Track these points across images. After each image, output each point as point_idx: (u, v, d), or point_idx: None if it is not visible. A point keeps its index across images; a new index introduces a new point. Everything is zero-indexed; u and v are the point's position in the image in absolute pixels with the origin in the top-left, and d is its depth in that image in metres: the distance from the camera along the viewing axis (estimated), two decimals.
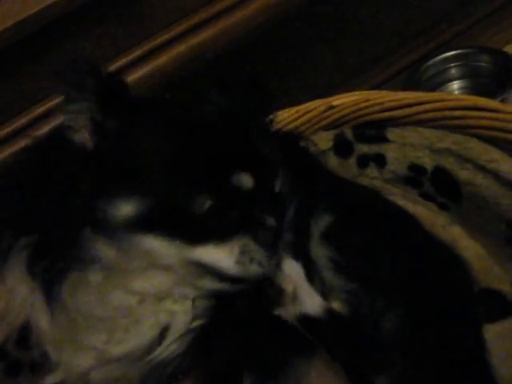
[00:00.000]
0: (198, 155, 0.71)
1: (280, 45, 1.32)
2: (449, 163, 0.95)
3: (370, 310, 0.77)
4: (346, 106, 1.01)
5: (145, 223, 0.70)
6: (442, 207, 1.00)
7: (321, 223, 0.79)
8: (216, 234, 0.71)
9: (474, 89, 1.47)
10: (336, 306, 0.74)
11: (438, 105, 0.94)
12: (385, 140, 1.00)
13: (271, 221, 0.73)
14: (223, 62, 1.21)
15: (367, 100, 1.00)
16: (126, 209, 0.69)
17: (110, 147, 0.71)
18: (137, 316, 0.75)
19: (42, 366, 0.84)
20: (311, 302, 0.74)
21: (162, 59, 1.22)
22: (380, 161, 1.02)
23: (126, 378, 0.77)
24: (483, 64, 1.43)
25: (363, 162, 1.03)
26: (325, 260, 0.79)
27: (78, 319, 0.75)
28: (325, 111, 1.02)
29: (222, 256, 0.71)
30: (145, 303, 0.75)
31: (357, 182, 0.98)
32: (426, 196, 1.01)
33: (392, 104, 0.98)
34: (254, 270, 0.72)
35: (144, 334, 0.75)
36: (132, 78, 1.20)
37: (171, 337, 0.75)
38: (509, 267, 0.93)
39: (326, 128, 1.04)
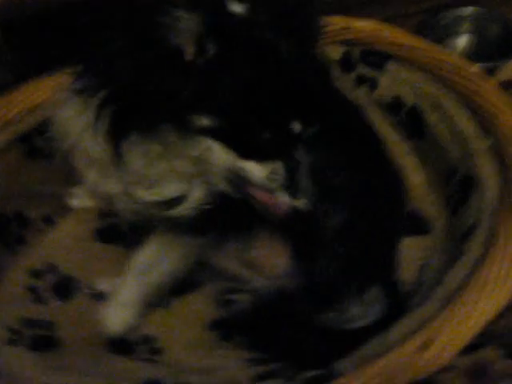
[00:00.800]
0: (273, 95, 0.84)
1: None
2: (424, 105, 1.14)
3: (322, 211, 1.00)
4: (361, 30, 1.19)
5: (214, 134, 0.86)
6: (408, 137, 1.21)
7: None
8: (261, 155, 0.89)
9: (479, 46, 1.61)
10: (299, 203, 0.93)
11: (433, 55, 1.12)
12: (383, 69, 1.19)
13: (298, 158, 0.92)
14: None
15: (380, 31, 1.17)
16: (205, 121, 0.84)
17: (205, 64, 0.81)
18: (174, 182, 0.94)
19: None
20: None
21: None
22: (373, 84, 1.21)
23: (145, 214, 0.98)
24: (495, 28, 1.57)
25: (360, 80, 1.22)
26: (302, 166, 0.99)
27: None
28: (343, 29, 1.20)
29: (259, 172, 0.89)
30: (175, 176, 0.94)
31: (350, 99, 1.13)
32: (398, 124, 1.22)
33: (399, 41, 1.15)
34: (275, 186, 0.90)
35: (171, 193, 0.94)
36: None
37: (187, 204, 0.95)
38: (437, 199, 1.16)
39: (339, 42, 1.22)
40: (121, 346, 1.07)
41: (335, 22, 1.19)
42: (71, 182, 1.22)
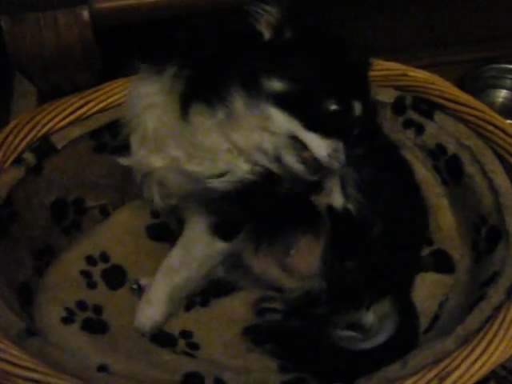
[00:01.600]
0: (340, 78, 1.00)
1: None
2: (464, 156, 1.24)
3: (365, 218, 1.10)
4: (417, 79, 1.29)
5: (283, 101, 0.97)
6: (444, 182, 1.31)
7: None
8: (326, 130, 1.00)
9: None
10: (350, 206, 1.08)
11: (477, 113, 1.22)
12: (430, 118, 1.29)
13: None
14: None
15: (433, 83, 1.28)
16: (277, 85, 0.97)
17: (282, 46, 0.97)
18: (217, 156, 1.03)
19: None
20: (337, 199, 1.08)
21: None
22: (419, 129, 1.31)
23: (180, 184, 1.06)
24: None
25: (408, 124, 1.32)
26: (351, 179, 1.11)
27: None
28: (400, 75, 1.30)
29: (321, 145, 1.00)
30: (228, 152, 1.02)
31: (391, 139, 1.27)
32: (437, 169, 1.32)
33: (448, 96, 1.25)
34: (334, 165, 1.01)
35: (213, 168, 1.03)
36: None
37: (229, 177, 1.03)
38: (463, 243, 1.26)
39: (394, 87, 1.32)
40: (162, 338, 1.16)
41: (393, 68, 1.29)
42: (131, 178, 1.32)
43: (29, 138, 1.17)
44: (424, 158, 1.31)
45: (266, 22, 0.97)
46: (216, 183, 1.02)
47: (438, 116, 1.27)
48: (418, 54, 1.64)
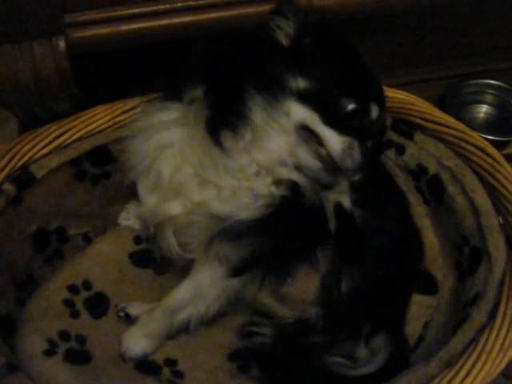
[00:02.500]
0: (358, 81, 1.06)
1: None
2: (445, 176, 1.24)
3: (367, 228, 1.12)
4: (396, 100, 1.29)
5: (304, 97, 1.01)
6: (425, 202, 1.32)
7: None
8: (341, 127, 1.02)
9: (495, 118, 1.73)
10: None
11: (457, 133, 1.22)
12: (411, 138, 1.29)
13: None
14: None
15: (413, 104, 1.28)
16: (301, 83, 1.01)
17: (303, 50, 1.02)
18: (245, 184, 1.02)
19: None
20: (346, 200, 1.10)
21: None
22: (400, 150, 1.31)
23: (205, 228, 1.05)
24: None
25: (389, 144, 1.33)
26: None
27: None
28: None
29: (336, 141, 1.03)
30: (256, 175, 1.03)
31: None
32: (418, 189, 1.32)
33: (428, 116, 1.25)
34: (349, 163, 1.03)
35: (240, 201, 1.02)
36: None
37: (256, 204, 1.02)
38: (446, 263, 1.26)
39: None
40: (147, 366, 1.16)
41: None
42: (112, 204, 1.32)
43: (8, 168, 1.16)
44: (405, 178, 1.32)
45: (284, 33, 1.02)
46: (245, 214, 1.02)
47: (418, 136, 1.28)
48: (398, 71, 1.64)
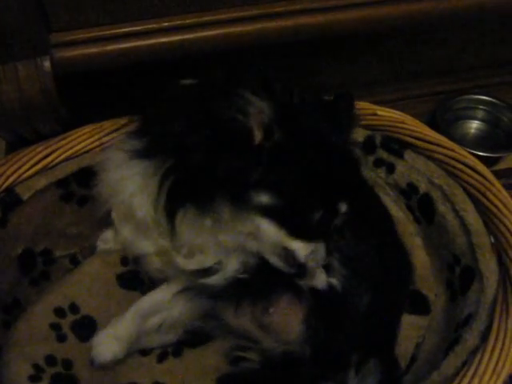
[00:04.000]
0: (324, 183, 0.98)
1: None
2: (436, 195, 1.23)
3: (351, 292, 1.09)
4: (386, 119, 1.28)
5: (269, 212, 0.96)
6: (416, 220, 1.31)
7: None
8: (309, 235, 0.99)
9: (486, 134, 1.72)
10: (334, 282, 1.08)
11: (447, 152, 1.21)
12: (401, 157, 1.28)
13: (338, 237, 1.04)
14: None
15: (403, 122, 1.27)
16: (264, 198, 0.95)
17: (270, 153, 0.94)
18: (206, 251, 1.03)
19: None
20: (320, 280, 1.07)
21: None
22: (390, 168, 1.30)
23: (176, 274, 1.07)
24: (505, 119, 1.67)
25: (378, 163, 1.32)
26: (334, 252, 1.09)
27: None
28: (369, 115, 1.29)
29: (301, 249, 0.99)
30: (216, 248, 1.03)
31: (369, 189, 1.26)
32: (409, 207, 1.31)
33: (418, 135, 1.25)
34: (312, 264, 1.01)
35: (203, 262, 1.03)
36: None
37: (223, 274, 1.04)
38: (438, 283, 1.25)
39: (364, 126, 1.31)
40: None
41: (363, 107, 1.28)
42: (99, 225, 1.30)
43: None
44: (396, 196, 1.31)
45: (257, 119, 0.93)
46: (210, 281, 1.03)
47: (409, 155, 1.27)
48: (388, 87, 1.63)
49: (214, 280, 1.03)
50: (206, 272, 1.04)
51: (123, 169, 1.05)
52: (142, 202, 1.03)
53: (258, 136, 0.93)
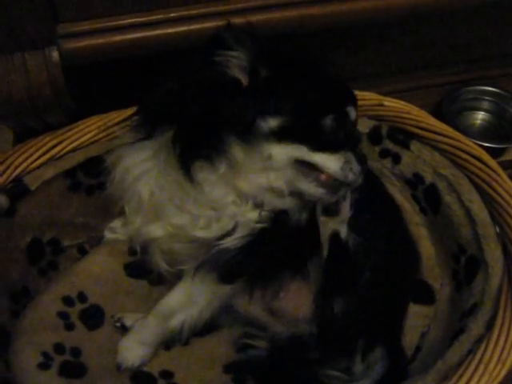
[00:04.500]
0: (325, 91, 1.02)
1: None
2: (441, 185, 1.23)
3: (361, 256, 1.10)
4: (392, 109, 1.28)
5: (281, 135, 0.97)
6: (422, 211, 1.31)
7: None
8: (331, 146, 0.99)
9: (492, 125, 1.72)
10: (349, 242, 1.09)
11: (453, 142, 1.21)
12: (407, 147, 1.28)
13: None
14: None
15: (409, 113, 1.27)
16: (272, 123, 0.97)
17: (263, 86, 0.97)
18: (224, 212, 1.02)
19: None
20: (344, 229, 1.08)
21: None
22: (396, 159, 1.30)
23: (188, 254, 1.06)
24: (511, 110, 1.67)
25: (384, 153, 1.32)
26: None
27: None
28: (375, 105, 1.29)
29: (332, 162, 1.00)
30: (234, 204, 1.02)
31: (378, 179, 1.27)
32: (414, 198, 1.32)
33: (424, 126, 1.25)
34: (351, 177, 1.01)
35: (221, 228, 1.02)
36: None
37: (239, 233, 1.02)
38: (443, 273, 1.25)
39: (369, 116, 1.32)
40: (142, 378, 1.15)
41: (368, 98, 1.28)
42: (106, 215, 1.31)
43: (1, 180, 1.15)
44: (402, 187, 1.31)
45: (237, 67, 0.97)
46: (226, 243, 1.01)
47: (414, 145, 1.27)
48: (394, 78, 1.64)
49: (230, 241, 1.01)
50: (224, 237, 1.02)
51: (129, 158, 1.06)
52: (148, 185, 1.03)
53: (243, 80, 0.96)
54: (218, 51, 0.96)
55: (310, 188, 1.01)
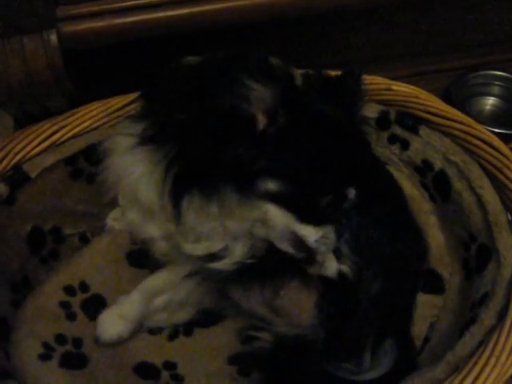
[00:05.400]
0: (332, 168, 0.94)
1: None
2: (451, 172, 1.20)
3: (362, 279, 1.06)
4: (400, 94, 1.25)
5: (278, 198, 0.93)
6: (432, 198, 1.28)
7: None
8: (318, 219, 0.96)
9: (503, 110, 1.68)
10: (345, 269, 1.05)
11: (463, 127, 1.18)
12: (415, 133, 1.25)
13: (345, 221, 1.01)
14: None
15: (417, 97, 1.24)
16: (271, 186, 0.92)
17: (276, 133, 0.90)
18: (220, 239, 1.01)
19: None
20: (331, 268, 1.04)
21: None
22: (405, 145, 1.27)
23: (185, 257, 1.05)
24: None
25: (393, 139, 1.29)
26: (344, 238, 1.06)
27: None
28: (383, 89, 1.26)
29: (311, 233, 0.96)
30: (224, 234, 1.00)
31: (382, 166, 1.23)
32: (423, 185, 1.29)
33: (433, 110, 1.22)
34: (323, 249, 0.98)
35: (210, 247, 1.01)
36: None
37: (230, 259, 1.01)
38: (453, 261, 1.22)
39: (378, 101, 1.28)
40: (145, 369, 1.13)
41: (377, 82, 1.25)
42: (108, 204, 1.29)
43: (0, 168, 1.12)
44: (410, 173, 1.28)
45: (258, 105, 0.88)
46: (217, 266, 1.01)
47: (424, 131, 1.24)
48: (403, 62, 1.60)
49: (221, 265, 1.01)
50: (213, 257, 1.01)
51: (129, 154, 1.02)
52: (147, 188, 1.01)
53: (261, 122, 0.89)
54: (246, 80, 0.87)
55: (284, 246, 0.99)
